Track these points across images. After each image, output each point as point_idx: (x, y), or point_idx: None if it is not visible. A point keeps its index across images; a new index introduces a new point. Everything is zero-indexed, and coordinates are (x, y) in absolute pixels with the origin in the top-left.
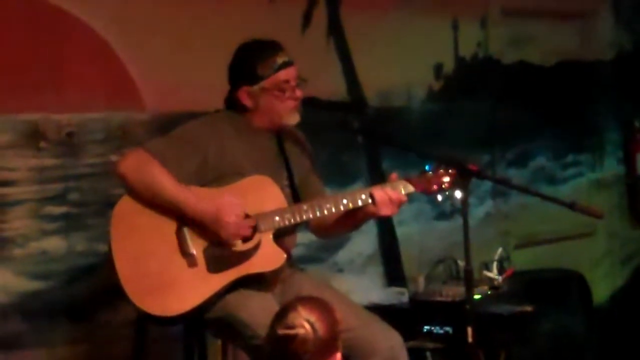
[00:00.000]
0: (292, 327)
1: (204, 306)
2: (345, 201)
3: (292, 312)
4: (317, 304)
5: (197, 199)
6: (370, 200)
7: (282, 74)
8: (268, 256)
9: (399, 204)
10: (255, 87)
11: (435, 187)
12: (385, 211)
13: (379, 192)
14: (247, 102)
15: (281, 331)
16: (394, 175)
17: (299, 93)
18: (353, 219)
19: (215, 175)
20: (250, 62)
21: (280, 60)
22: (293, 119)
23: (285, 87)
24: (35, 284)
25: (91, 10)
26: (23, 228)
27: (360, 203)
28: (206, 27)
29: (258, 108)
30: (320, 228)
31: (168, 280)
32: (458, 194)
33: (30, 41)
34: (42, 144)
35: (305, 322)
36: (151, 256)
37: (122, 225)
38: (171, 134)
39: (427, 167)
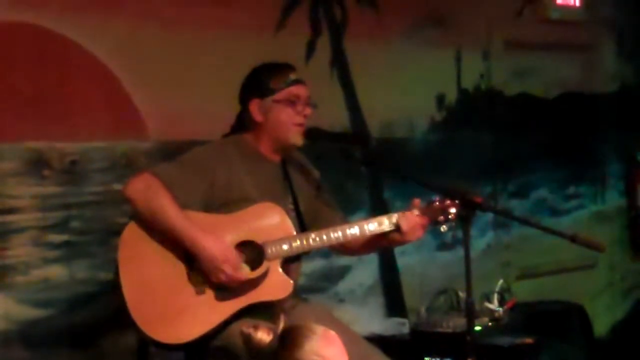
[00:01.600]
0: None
1: (211, 333)
2: (353, 231)
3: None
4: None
5: (198, 234)
6: (379, 228)
7: (294, 89)
8: (276, 285)
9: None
10: (267, 100)
11: (442, 217)
12: (410, 237)
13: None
14: (257, 115)
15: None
16: (417, 201)
17: (308, 111)
18: (373, 245)
19: (222, 201)
20: (263, 77)
21: (293, 76)
22: (298, 140)
23: (296, 101)
24: (36, 311)
25: (96, 40)
26: (25, 255)
27: (367, 233)
28: (211, 56)
29: (267, 122)
30: (342, 248)
31: (176, 308)
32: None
33: (35, 69)
34: (46, 172)
35: (266, 329)
36: (159, 283)
37: (129, 251)
38: (179, 159)
39: (433, 197)
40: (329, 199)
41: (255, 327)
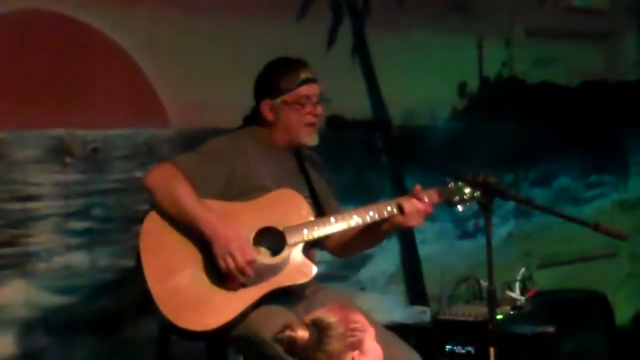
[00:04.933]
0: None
1: (238, 319)
2: (371, 213)
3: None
4: (330, 307)
5: (217, 222)
6: (396, 212)
7: (304, 89)
8: (298, 269)
9: (425, 215)
10: (277, 101)
11: (457, 198)
12: (412, 222)
13: (407, 203)
14: (268, 115)
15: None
16: (418, 187)
17: (319, 110)
18: (376, 232)
19: (240, 190)
20: (274, 76)
21: (303, 75)
22: (311, 140)
23: (306, 102)
24: (58, 298)
25: (120, 28)
26: (47, 243)
27: (386, 214)
28: (232, 45)
29: (278, 122)
30: (340, 246)
31: (201, 296)
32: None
33: (59, 57)
34: (68, 160)
35: (300, 325)
36: (182, 271)
37: (151, 242)
38: (199, 149)
39: (447, 179)
40: (336, 199)
41: (290, 327)
